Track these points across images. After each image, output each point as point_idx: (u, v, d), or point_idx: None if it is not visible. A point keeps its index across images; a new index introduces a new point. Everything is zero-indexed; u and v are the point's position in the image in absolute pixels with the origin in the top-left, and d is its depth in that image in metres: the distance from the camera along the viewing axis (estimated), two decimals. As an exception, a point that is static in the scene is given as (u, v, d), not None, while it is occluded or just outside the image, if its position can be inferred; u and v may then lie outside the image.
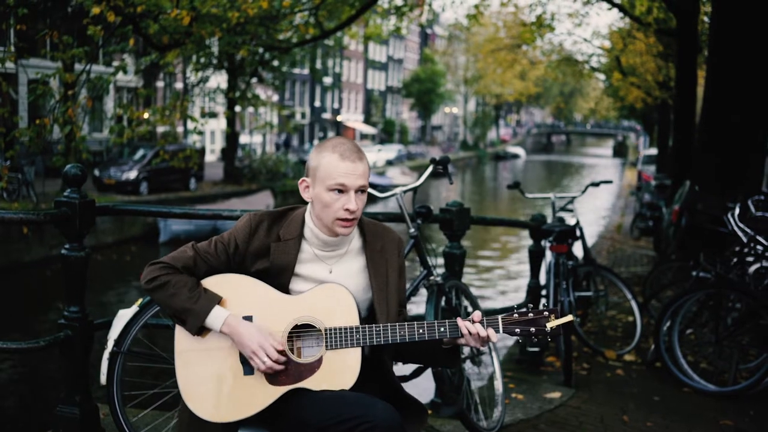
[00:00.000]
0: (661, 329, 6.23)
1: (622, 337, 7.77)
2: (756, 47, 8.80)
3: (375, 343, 2.57)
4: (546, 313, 2.60)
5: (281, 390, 2.54)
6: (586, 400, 5.52)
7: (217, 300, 2.57)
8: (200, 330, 2.57)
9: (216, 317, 2.54)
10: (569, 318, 2.64)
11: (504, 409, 4.63)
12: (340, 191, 2.57)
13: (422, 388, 4.59)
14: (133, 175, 25.58)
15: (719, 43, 9.31)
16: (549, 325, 2.59)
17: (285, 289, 2.65)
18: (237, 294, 2.61)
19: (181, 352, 2.61)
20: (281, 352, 2.54)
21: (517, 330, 2.60)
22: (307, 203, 2.73)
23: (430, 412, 4.65)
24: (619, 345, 7.38)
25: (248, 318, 2.58)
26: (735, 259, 6.67)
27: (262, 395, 2.54)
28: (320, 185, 2.59)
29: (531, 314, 2.61)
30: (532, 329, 2.59)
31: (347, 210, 2.57)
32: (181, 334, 2.62)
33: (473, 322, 2.59)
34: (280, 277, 2.65)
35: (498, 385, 4.65)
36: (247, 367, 2.57)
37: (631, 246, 18.21)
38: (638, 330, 7.14)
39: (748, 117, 8.89)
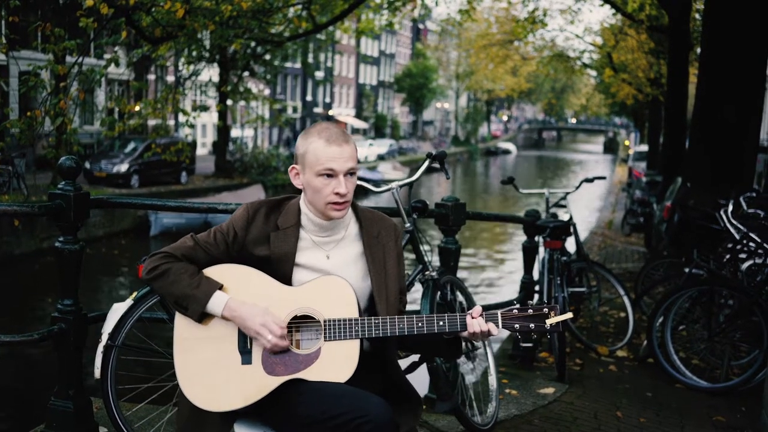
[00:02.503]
0: (654, 325, 6.25)
1: (615, 333, 7.80)
2: (749, 43, 8.82)
3: (374, 336, 2.58)
4: (545, 309, 2.60)
5: (278, 380, 2.54)
6: (580, 395, 5.54)
7: (218, 286, 2.59)
8: (202, 316, 2.58)
9: (217, 302, 2.56)
10: (569, 315, 2.64)
11: (498, 404, 4.64)
12: (329, 176, 2.59)
13: (416, 383, 4.58)
14: (124, 168, 25.47)
15: (712, 40, 9.34)
16: (549, 322, 2.59)
17: (287, 279, 2.65)
18: (237, 284, 2.62)
19: (180, 340, 2.61)
20: (283, 330, 2.54)
21: (516, 326, 2.61)
22: (300, 192, 2.74)
23: (424, 407, 4.65)
24: (611, 341, 7.40)
25: None
26: (727, 256, 6.69)
27: (259, 385, 2.54)
28: (309, 171, 2.61)
29: (530, 310, 2.61)
30: (531, 325, 2.60)
31: (338, 194, 2.59)
32: (181, 322, 2.62)
33: (473, 317, 2.59)
34: (281, 267, 2.66)
35: (492, 380, 4.66)
36: (245, 357, 2.57)
37: (622, 242, 18.26)
38: (630, 326, 7.16)
39: (740, 114, 8.92)
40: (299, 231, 2.70)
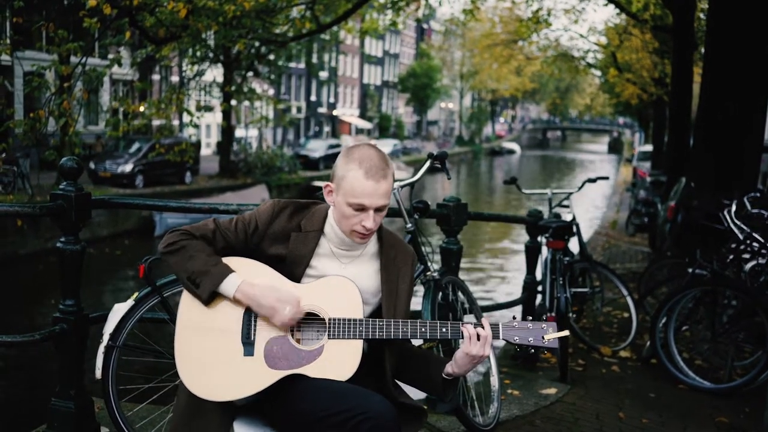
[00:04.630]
0: (657, 326, 6.23)
1: (618, 333, 7.78)
2: (752, 42, 8.80)
3: (377, 337, 2.59)
4: (545, 326, 2.64)
5: (279, 374, 2.54)
6: (582, 396, 5.53)
7: (233, 271, 2.60)
8: (212, 296, 2.58)
9: (231, 282, 2.57)
10: (566, 333, 2.68)
11: (500, 405, 4.63)
12: (360, 209, 2.58)
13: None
14: (128, 168, 25.51)
15: (716, 39, 9.31)
16: (547, 338, 2.62)
17: (297, 280, 2.67)
18: (247, 276, 2.62)
19: (183, 328, 2.61)
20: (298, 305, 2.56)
21: (516, 338, 2.64)
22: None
23: (425, 407, 4.64)
24: (614, 341, 7.39)
25: None
26: (731, 256, 6.67)
27: (260, 377, 2.54)
28: (342, 197, 2.60)
29: (530, 325, 2.65)
30: (531, 339, 2.63)
31: (363, 227, 2.60)
32: (186, 308, 2.63)
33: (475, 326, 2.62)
34: (295, 268, 2.67)
35: (494, 381, 4.64)
36: (248, 348, 2.57)
37: (626, 242, 18.22)
38: (634, 326, 7.14)
39: (744, 113, 8.89)
40: (320, 237, 2.71)
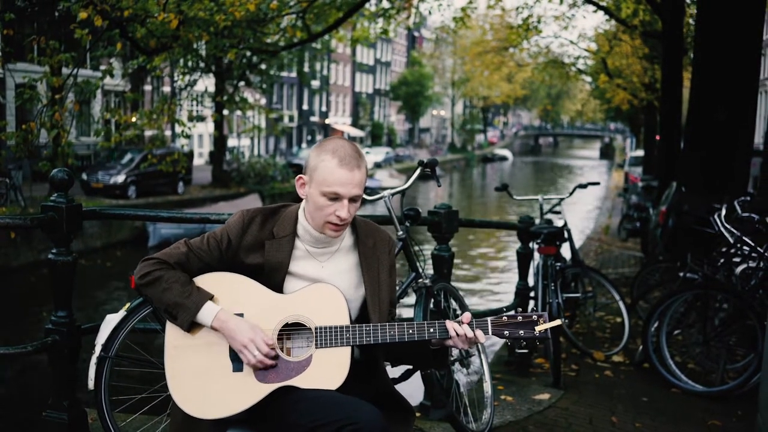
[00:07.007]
0: (649, 330, 6.25)
1: (610, 338, 7.80)
2: (740, 46, 8.86)
3: (365, 343, 2.58)
4: (535, 317, 2.62)
5: (269, 388, 2.54)
6: (575, 401, 5.54)
7: (209, 297, 2.59)
8: (191, 326, 2.58)
9: (207, 312, 2.56)
10: (558, 322, 2.66)
11: (493, 411, 4.63)
12: (334, 198, 2.58)
13: (411, 390, 4.59)
14: (121, 178, 25.50)
15: (704, 44, 9.37)
16: (538, 329, 2.60)
17: (279, 287, 2.66)
18: (229, 292, 2.62)
19: (171, 348, 2.61)
20: (271, 349, 2.54)
21: (506, 332, 2.61)
22: (300, 200, 2.74)
23: (418, 414, 4.65)
24: (607, 346, 7.40)
25: (239, 315, 2.59)
26: (722, 260, 6.70)
27: (250, 393, 2.54)
28: (315, 187, 2.60)
29: (520, 317, 2.62)
30: (521, 332, 2.61)
31: (338, 216, 2.58)
32: (171, 330, 2.62)
33: (461, 323, 2.60)
34: (274, 276, 2.66)
35: (487, 387, 4.65)
36: (236, 364, 2.57)
37: (619, 247, 18.27)
38: (626, 331, 7.17)
39: (733, 117, 8.94)
40: (295, 240, 2.70)
